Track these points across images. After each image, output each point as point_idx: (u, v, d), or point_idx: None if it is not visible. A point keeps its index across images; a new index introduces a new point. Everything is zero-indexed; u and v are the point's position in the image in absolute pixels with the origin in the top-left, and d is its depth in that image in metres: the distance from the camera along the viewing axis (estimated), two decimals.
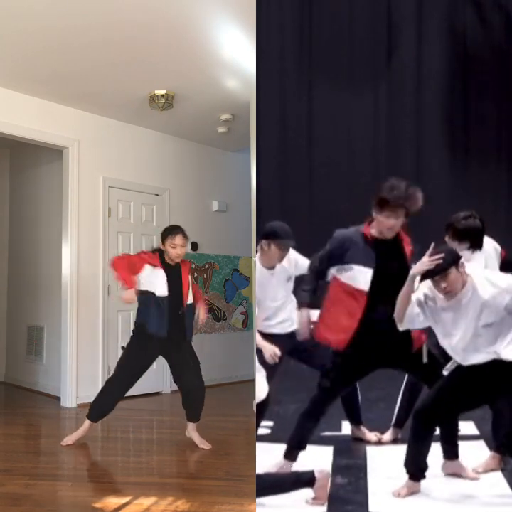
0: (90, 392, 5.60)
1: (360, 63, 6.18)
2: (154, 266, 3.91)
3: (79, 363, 5.58)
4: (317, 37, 6.14)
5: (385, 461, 2.82)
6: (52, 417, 5.16)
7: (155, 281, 3.90)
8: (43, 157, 6.43)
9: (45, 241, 6.39)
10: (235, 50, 4.54)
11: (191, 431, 4.13)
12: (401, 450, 2.57)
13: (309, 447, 2.78)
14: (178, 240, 3.90)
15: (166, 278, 3.90)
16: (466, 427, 3.18)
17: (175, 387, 6.32)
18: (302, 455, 2.79)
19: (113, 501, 3.06)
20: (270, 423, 3.29)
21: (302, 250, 3.16)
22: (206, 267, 6.94)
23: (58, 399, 5.65)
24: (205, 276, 6.91)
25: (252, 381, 5.21)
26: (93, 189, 5.85)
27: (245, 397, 5.46)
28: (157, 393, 6.18)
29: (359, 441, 3.13)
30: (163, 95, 5.29)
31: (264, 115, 5.92)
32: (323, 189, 5.95)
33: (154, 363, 6.13)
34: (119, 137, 6.12)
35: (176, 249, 3.90)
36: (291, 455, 2.74)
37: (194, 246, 6.79)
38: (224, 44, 4.43)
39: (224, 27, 4.17)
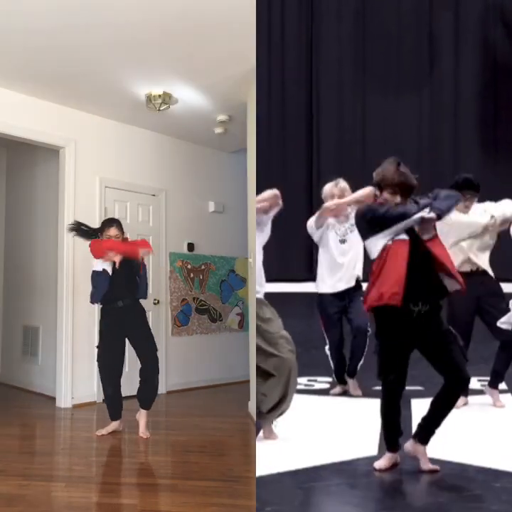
0: (86, 393, 5.60)
1: (406, 73, 7.21)
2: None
3: (74, 364, 5.57)
4: (370, 50, 7.22)
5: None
6: (47, 417, 5.15)
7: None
8: (40, 157, 6.42)
9: (41, 241, 6.38)
10: (232, 51, 4.53)
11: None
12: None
13: (362, 400, 3.24)
14: (111, 231, 4.29)
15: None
16: None
17: (170, 388, 6.34)
18: (354, 407, 3.44)
19: (107, 502, 3.05)
20: (329, 379, 3.94)
21: None
22: (202, 267, 6.94)
23: (53, 399, 5.63)
24: (201, 276, 6.91)
25: (248, 382, 5.22)
26: (89, 189, 5.84)
27: (241, 398, 5.46)
28: None
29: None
30: (159, 95, 5.29)
31: (324, 120, 7.09)
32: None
33: None
34: (115, 137, 6.12)
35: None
36: (393, 446, 2.71)
37: (190, 246, 6.79)
38: (221, 44, 4.43)
39: (222, 27, 4.16)
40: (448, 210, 2.66)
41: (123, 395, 4.55)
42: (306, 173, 7.70)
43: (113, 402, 4.47)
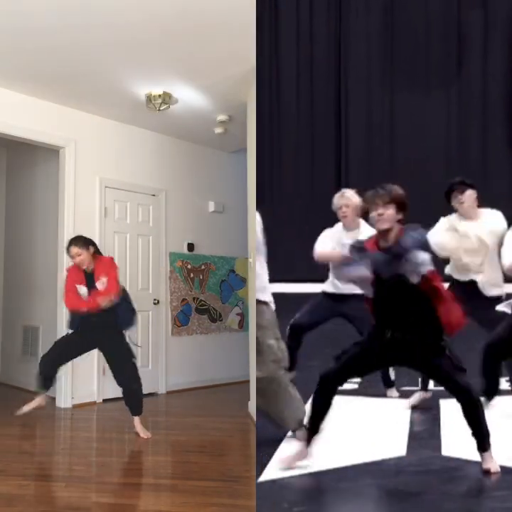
0: (86, 393, 5.61)
1: (434, 70, 7.29)
2: (80, 283, 4.27)
3: (74, 364, 5.53)
4: (398, 46, 7.32)
5: (455, 410, 2.93)
6: (47, 417, 5.14)
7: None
8: (40, 157, 6.42)
9: (41, 241, 6.38)
10: (232, 51, 4.53)
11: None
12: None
13: (391, 400, 3.41)
14: (71, 251, 4.26)
15: (86, 290, 4.28)
16: None
17: (170, 388, 6.35)
18: (383, 407, 3.47)
19: (107, 502, 3.05)
20: (358, 379, 3.93)
21: None
22: (202, 267, 6.93)
23: (53, 399, 5.63)
24: (201, 276, 6.90)
25: (248, 382, 5.22)
26: (89, 189, 5.84)
27: (241, 398, 5.46)
28: (153, 394, 6.17)
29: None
30: (159, 95, 5.29)
31: (352, 116, 7.23)
32: (405, 184, 6.78)
33: (149, 364, 6.20)
34: (115, 137, 6.11)
35: (75, 259, 4.26)
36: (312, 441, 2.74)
37: (190, 247, 6.79)
38: (221, 44, 4.43)
39: (222, 27, 4.16)
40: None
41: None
42: (335, 170, 7.68)
43: (47, 374, 4.41)
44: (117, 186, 6.08)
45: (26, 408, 4.38)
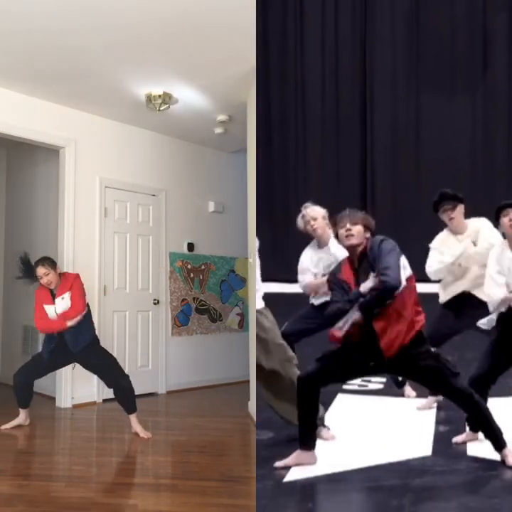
0: (85, 393, 5.61)
1: (459, 74, 7.37)
2: (47, 303, 4.37)
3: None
4: (423, 50, 7.39)
5: None
6: (47, 417, 5.14)
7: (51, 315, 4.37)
8: (40, 157, 6.42)
9: (41, 241, 6.38)
10: (232, 51, 4.53)
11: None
12: (494, 402, 2.98)
13: (415, 400, 3.44)
14: (39, 272, 4.37)
15: (54, 309, 4.35)
16: None
17: (170, 388, 6.35)
18: (407, 407, 3.48)
19: (107, 502, 3.05)
20: (383, 380, 3.98)
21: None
22: (202, 267, 6.94)
23: (53, 399, 5.64)
24: (201, 276, 6.91)
25: (248, 382, 5.22)
26: (89, 189, 5.84)
27: (241, 399, 5.46)
28: (153, 394, 6.17)
29: None
30: (159, 95, 5.29)
31: (377, 120, 7.36)
32: (429, 188, 7.04)
33: (149, 364, 6.21)
34: (115, 137, 6.12)
35: (43, 279, 4.36)
36: (308, 444, 2.74)
37: (190, 246, 6.79)
38: (221, 44, 4.43)
39: (222, 27, 4.16)
40: (374, 304, 2.59)
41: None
42: (360, 174, 7.65)
43: (25, 390, 4.57)
44: (117, 186, 6.08)
45: (7, 426, 4.56)
